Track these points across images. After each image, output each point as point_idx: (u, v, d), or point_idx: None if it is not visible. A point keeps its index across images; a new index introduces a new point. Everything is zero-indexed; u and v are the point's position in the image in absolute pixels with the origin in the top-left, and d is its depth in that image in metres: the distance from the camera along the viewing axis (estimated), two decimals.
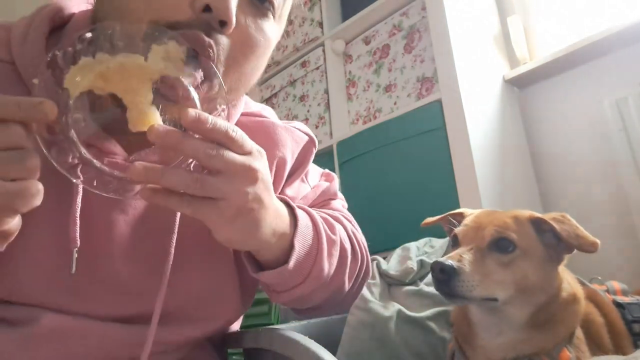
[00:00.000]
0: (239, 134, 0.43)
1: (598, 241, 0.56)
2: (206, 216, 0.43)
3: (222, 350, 0.73)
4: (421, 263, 0.89)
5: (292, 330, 0.64)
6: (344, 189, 1.60)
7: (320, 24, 1.86)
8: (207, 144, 0.41)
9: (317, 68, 1.85)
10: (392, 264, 0.92)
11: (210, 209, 0.43)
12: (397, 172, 1.44)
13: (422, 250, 0.96)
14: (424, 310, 0.80)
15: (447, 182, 1.31)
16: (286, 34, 2.00)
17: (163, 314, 0.51)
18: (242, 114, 0.65)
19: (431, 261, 0.89)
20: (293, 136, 0.68)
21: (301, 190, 0.69)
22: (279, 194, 0.65)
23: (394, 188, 1.44)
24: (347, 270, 0.63)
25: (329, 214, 0.65)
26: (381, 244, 1.39)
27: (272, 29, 0.53)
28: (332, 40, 1.82)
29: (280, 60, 2.01)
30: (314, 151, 0.72)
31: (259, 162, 0.45)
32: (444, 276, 0.55)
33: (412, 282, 0.87)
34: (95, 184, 0.43)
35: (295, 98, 1.94)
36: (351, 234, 0.66)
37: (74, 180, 0.42)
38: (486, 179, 1.29)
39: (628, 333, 0.65)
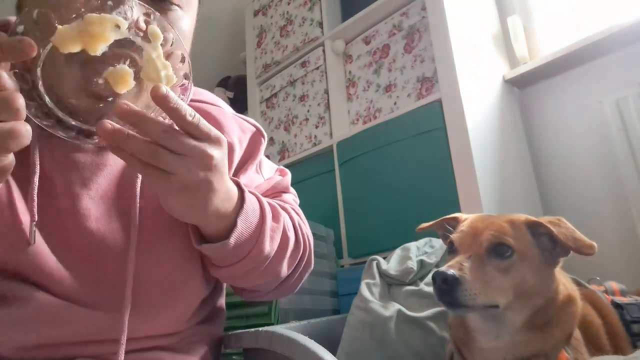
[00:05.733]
0: (196, 118, 0.46)
1: (595, 244, 0.56)
2: (154, 182, 0.47)
3: (218, 350, 0.74)
4: (421, 263, 0.89)
5: (292, 330, 0.64)
6: (344, 188, 1.61)
7: (320, 24, 1.86)
8: (164, 125, 0.45)
9: (317, 68, 1.85)
10: (392, 264, 0.92)
11: (160, 177, 0.46)
12: (397, 172, 1.44)
13: (422, 250, 0.97)
14: (424, 310, 0.81)
15: (447, 182, 1.31)
16: (286, 33, 2.01)
17: (121, 299, 0.53)
18: (195, 100, 0.68)
19: (431, 261, 0.90)
20: (241, 125, 0.72)
21: (255, 180, 0.72)
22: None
23: (394, 188, 1.43)
24: (287, 258, 0.64)
25: (278, 203, 0.67)
26: (381, 244, 1.40)
27: (183, 21, 0.58)
28: (332, 40, 1.82)
29: (280, 60, 2.01)
30: (263, 142, 0.75)
31: (217, 149, 0.49)
32: (447, 286, 0.55)
33: (412, 282, 0.88)
34: (57, 131, 0.48)
35: (295, 98, 1.94)
36: (297, 225, 0.68)
37: (38, 123, 0.46)
38: (486, 178, 1.29)
39: (626, 334, 0.65)
